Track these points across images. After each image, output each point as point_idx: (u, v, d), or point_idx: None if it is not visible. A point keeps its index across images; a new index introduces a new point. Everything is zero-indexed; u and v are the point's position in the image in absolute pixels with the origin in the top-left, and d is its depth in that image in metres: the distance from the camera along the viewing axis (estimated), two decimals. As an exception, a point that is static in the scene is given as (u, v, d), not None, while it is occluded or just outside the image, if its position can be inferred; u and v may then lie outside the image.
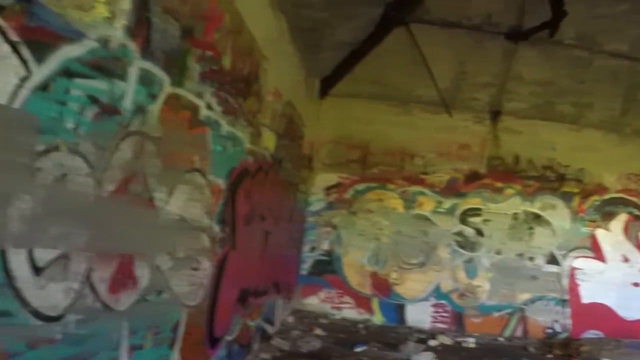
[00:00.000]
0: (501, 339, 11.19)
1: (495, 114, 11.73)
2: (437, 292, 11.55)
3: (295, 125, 9.40)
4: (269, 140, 7.47)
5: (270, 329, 8.97)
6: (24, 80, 2.67)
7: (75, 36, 3.03)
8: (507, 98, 11.41)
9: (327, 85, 11.37)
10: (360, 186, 11.69)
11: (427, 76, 10.73)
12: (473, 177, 11.73)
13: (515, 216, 11.59)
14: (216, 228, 5.58)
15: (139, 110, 3.76)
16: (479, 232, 11.60)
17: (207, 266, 5.43)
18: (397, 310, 11.58)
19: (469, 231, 11.63)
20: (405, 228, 11.62)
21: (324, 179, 11.74)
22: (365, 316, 11.55)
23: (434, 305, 11.53)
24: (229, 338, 6.53)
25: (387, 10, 9.31)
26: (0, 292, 2.71)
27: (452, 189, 11.70)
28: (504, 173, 11.71)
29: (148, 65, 3.83)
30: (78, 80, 3.07)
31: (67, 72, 2.97)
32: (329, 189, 11.74)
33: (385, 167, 11.67)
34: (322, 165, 11.72)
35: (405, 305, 11.57)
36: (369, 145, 11.70)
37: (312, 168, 11.55)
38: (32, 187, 2.80)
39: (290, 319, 10.59)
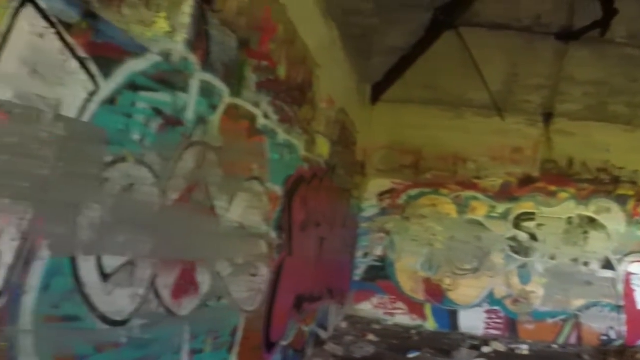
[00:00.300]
0: (555, 346, 10.96)
1: (548, 116, 11.53)
2: (491, 298, 11.35)
3: (348, 132, 9.45)
4: (323, 147, 7.54)
5: (323, 335, 9.02)
6: (92, 94, 2.80)
7: (139, 51, 3.15)
8: (560, 100, 11.21)
9: (378, 91, 11.36)
10: (414, 191, 11.62)
11: (478, 79, 10.63)
12: (526, 181, 11.55)
13: (569, 220, 11.35)
14: (273, 234, 5.67)
15: (201, 121, 3.88)
16: (533, 237, 11.41)
17: (264, 272, 5.52)
18: (450, 316, 11.45)
19: (522, 236, 11.46)
20: (458, 233, 11.50)
21: (377, 184, 11.71)
22: (418, 322, 11.45)
23: (487, 312, 11.35)
24: (284, 343, 6.60)
25: (436, 15, 9.29)
26: (70, 298, 2.84)
27: (505, 194, 11.53)
28: (558, 176, 11.49)
29: (208, 77, 3.95)
30: (143, 94, 3.19)
31: (133, 86, 3.10)
32: (382, 195, 11.70)
33: (438, 172, 11.59)
34: (375, 171, 11.69)
35: (458, 311, 11.44)
36: (422, 151, 11.63)
37: (365, 174, 11.53)
38: (101, 197, 2.92)
39: (344, 325, 10.60)
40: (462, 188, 11.58)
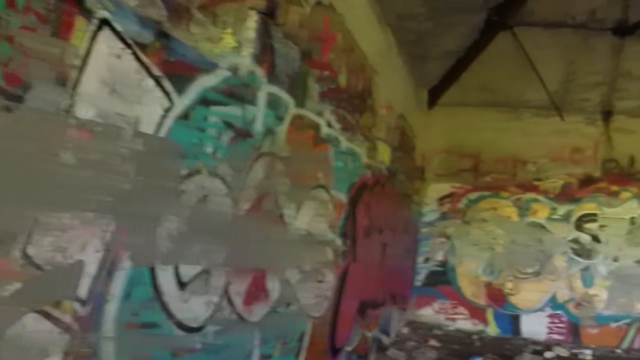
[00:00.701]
0: (619, 350, 10.65)
1: (607, 114, 11.24)
2: (553, 302, 11.10)
3: (407, 137, 9.48)
4: (384, 154, 7.59)
5: (386, 340, 9.04)
6: (167, 110, 2.93)
7: (209, 67, 3.28)
8: (618, 96, 10.88)
9: (435, 95, 11.32)
10: (473, 195, 11.50)
11: (535, 79, 10.47)
12: (587, 182, 11.30)
13: (632, 220, 11.01)
14: (339, 241, 5.76)
15: (269, 132, 4.00)
16: (595, 239, 11.15)
17: (330, 278, 5.60)
18: (511, 321, 11.31)
19: (584, 238, 11.21)
20: (519, 236, 11.33)
21: (437, 189, 11.64)
22: (480, 327, 11.33)
23: (550, 316, 11.11)
24: (348, 348, 6.66)
25: (489, 15, 9.22)
26: (149, 306, 2.97)
27: (566, 195, 11.31)
28: (619, 175, 11.21)
29: (274, 89, 4.06)
30: (214, 108, 3.32)
31: (205, 101, 3.22)
32: (442, 199, 11.63)
33: (498, 175, 11.46)
34: (435, 175, 11.63)
35: (520, 315, 11.29)
36: (480, 154, 11.52)
37: (424, 179, 11.50)
38: (178, 209, 3.05)
39: (405, 330, 10.59)
40: (522, 190, 11.41)
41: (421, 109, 10.93)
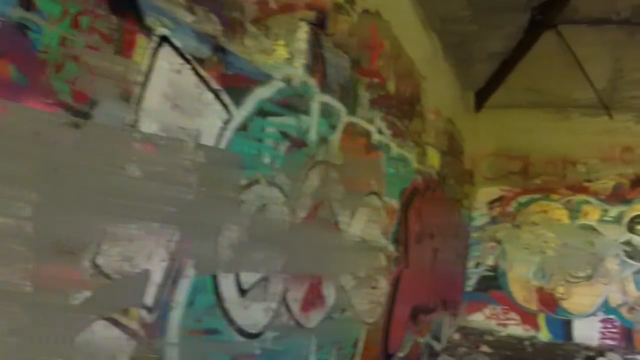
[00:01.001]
0: (674, 356, 10.54)
1: (657, 111, 11.12)
2: (606, 306, 10.82)
3: (456, 141, 9.46)
4: (433, 159, 7.60)
5: (437, 346, 9.01)
6: (226, 123, 3.02)
7: (263, 78, 3.36)
8: (667, 92, 10.77)
9: (481, 98, 11.23)
10: (523, 198, 11.31)
11: (582, 78, 10.30)
12: (639, 182, 11.18)
13: (686, 221, 10.91)
14: (391, 247, 5.79)
15: (323, 140, 4.07)
16: (648, 241, 11.02)
17: (383, 284, 5.64)
18: (563, 326, 11.14)
19: (637, 240, 10.95)
20: (570, 239, 11.12)
21: (486, 193, 11.49)
22: (531, 333, 11.14)
23: (602, 321, 10.83)
24: (400, 355, 6.66)
25: (533, 15, 9.15)
26: (211, 312, 3.06)
27: (617, 196, 11.08)
28: (672, 175, 11.07)
29: (327, 98, 4.13)
30: (271, 119, 3.40)
31: (261, 112, 3.30)
32: (491, 203, 11.46)
33: (548, 177, 11.29)
34: (484, 179, 11.49)
35: (572, 320, 11.11)
36: (529, 156, 11.36)
37: (473, 183, 11.39)
38: (238, 218, 3.13)
39: (456, 336, 10.53)
40: (573, 192, 11.23)
41: (468, 112, 10.89)
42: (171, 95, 2.70)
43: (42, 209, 2.16)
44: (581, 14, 9.30)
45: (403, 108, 6.02)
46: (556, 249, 11.18)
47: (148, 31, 2.58)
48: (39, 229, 2.15)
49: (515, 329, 11.24)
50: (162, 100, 2.67)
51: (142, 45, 2.56)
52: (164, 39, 2.67)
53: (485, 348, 9.90)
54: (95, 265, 2.40)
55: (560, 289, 11.11)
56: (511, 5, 8.62)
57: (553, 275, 11.16)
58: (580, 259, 11.08)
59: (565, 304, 11.09)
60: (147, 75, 2.58)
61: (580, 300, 11.03)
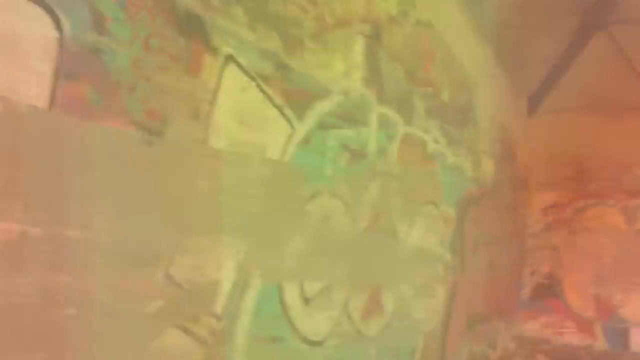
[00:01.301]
0: None
1: None
2: None
3: (509, 148, 9.41)
4: (488, 166, 7.59)
5: (492, 355, 8.96)
6: (290, 137, 3.11)
7: (323, 92, 3.45)
8: None
9: (533, 103, 11.15)
10: (579, 204, 11.24)
11: (635, 79, 10.16)
12: (696, 185, 10.95)
13: None
14: (448, 256, 5.82)
15: (381, 151, 4.14)
16: None
17: (440, 293, 5.67)
18: (621, 335, 10.97)
19: (696, 244, 10.83)
20: (628, 245, 11.00)
21: (541, 199, 11.26)
22: (588, 341, 11.01)
23: None
24: (457, 362, 6.69)
25: (583, 17, 9.08)
26: (277, 320, 3.14)
27: (675, 200, 10.99)
28: None
29: (384, 109, 4.20)
30: (331, 131, 3.48)
31: (323, 125, 3.39)
32: (546, 210, 11.38)
33: (603, 182, 11.13)
34: (538, 185, 11.28)
35: (630, 329, 10.93)
36: (584, 161, 11.17)
37: (528, 189, 11.30)
38: (302, 229, 3.22)
39: (512, 345, 10.43)
40: (629, 197, 11.08)
41: (521, 118, 10.81)
42: (238, 112, 2.81)
43: (118, 223, 2.28)
44: (632, 13, 9.18)
45: (457, 116, 6.04)
46: (613, 255, 10.99)
47: (214, 51, 2.68)
48: (115, 242, 2.27)
49: (572, 337, 11.04)
50: (230, 117, 2.77)
51: (210, 65, 2.66)
52: (229, 58, 2.77)
53: (541, 357, 9.81)
54: (169, 276, 2.51)
55: (618, 296, 10.90)
56: (560, 8, 8.57)
57: (610, 282, 10.98)
58: (637, 265, 10.89)
59: (622, 312, 10.88)
60: (215, 93, 2.69)
61: (638, 307, 10.84)
